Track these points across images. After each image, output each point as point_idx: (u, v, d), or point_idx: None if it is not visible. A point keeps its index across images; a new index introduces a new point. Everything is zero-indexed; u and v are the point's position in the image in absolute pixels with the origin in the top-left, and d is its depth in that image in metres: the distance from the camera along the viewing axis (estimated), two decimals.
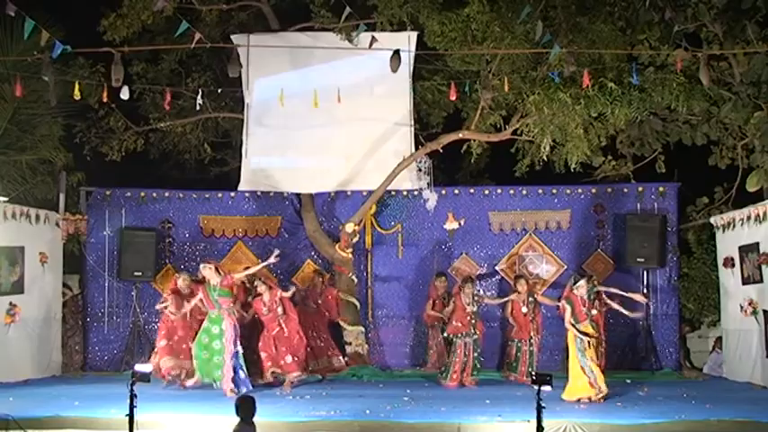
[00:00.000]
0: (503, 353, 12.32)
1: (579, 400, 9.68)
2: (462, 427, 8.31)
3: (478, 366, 11.24)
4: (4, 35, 12.01)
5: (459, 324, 11.16)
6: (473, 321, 11.17)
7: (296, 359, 10.95)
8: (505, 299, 11.95)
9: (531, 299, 11.73)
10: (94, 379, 11.96)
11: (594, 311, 10.64)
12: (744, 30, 10.88)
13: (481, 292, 11.96)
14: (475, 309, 11.21)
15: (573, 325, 9.92)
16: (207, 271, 10.57)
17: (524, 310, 11.64)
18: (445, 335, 11.59)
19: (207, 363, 10.61)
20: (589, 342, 9.90)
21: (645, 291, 12.61)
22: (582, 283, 10.14)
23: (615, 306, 11.15)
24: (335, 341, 12.28)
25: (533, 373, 8.04)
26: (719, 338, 12.71)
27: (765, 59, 10.78)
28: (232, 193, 13.30)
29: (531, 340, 11.65)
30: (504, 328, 12.42)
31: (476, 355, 11.19)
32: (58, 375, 12.36)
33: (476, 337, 11.19)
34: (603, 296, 11.21)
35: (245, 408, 6.97)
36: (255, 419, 7.01)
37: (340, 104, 11.68)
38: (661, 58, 11.19)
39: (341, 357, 12.15)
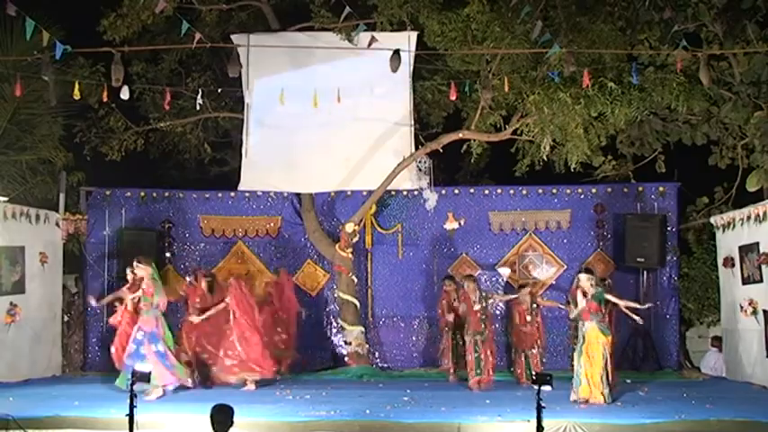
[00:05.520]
0: (509, 355, 12.21)
1: (576, 400, 9.56)
2: (462, 427, 8.31)
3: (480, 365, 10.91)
4: (4, 35, 12.03)
5: (471, 322, 10.83)
6: (483, 319, 10.81)
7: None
8: (513, 296, 11.83)
9: (533, 305, 11.61)
10: (94, 379, 11.95)
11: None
12: (744, 30, 10.89)
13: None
14: (484, 305, 10.85)
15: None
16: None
17: (529, 318, 11.52)
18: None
19: None
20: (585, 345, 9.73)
21: (645, 291, 12.62)
22: (581, 276, 9.96)
23: (624, 309, 10.56)
24: None
25: (533, 372, 8.00)
26: (715, 337, 12.73)
27: (765, 59, 10.79)
28: (232, 193, 13.31)
29: (536, 343, 11.52)
30: (506, 332, 12.42)
31: (484, 355, 10.84)
32: (58, 375, 12.37)
33: (485, 335, 10.80)
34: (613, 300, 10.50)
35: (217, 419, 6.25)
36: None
37: (340, 104, 11.68)
38: (661, 58, 11.19)
39: None
